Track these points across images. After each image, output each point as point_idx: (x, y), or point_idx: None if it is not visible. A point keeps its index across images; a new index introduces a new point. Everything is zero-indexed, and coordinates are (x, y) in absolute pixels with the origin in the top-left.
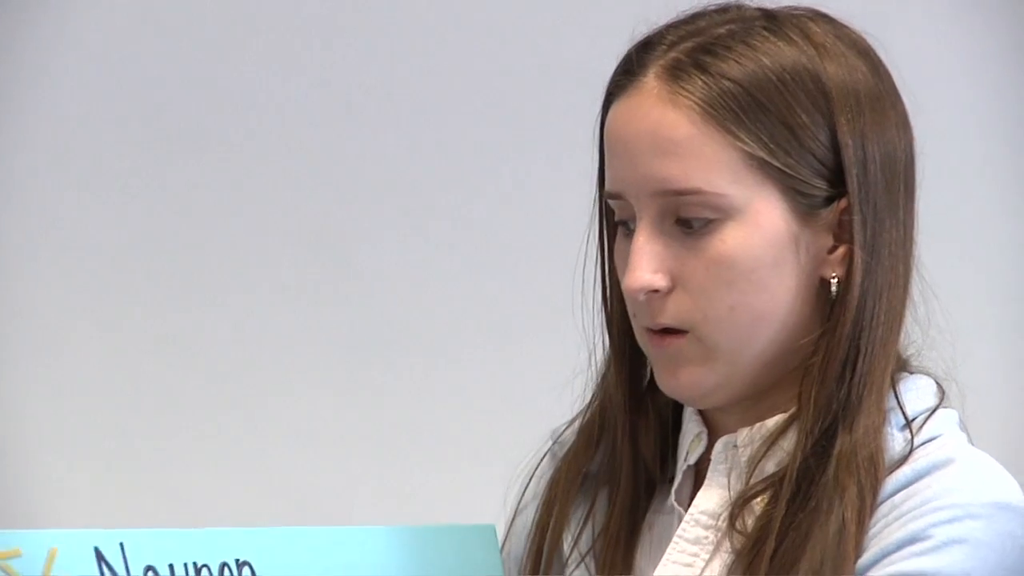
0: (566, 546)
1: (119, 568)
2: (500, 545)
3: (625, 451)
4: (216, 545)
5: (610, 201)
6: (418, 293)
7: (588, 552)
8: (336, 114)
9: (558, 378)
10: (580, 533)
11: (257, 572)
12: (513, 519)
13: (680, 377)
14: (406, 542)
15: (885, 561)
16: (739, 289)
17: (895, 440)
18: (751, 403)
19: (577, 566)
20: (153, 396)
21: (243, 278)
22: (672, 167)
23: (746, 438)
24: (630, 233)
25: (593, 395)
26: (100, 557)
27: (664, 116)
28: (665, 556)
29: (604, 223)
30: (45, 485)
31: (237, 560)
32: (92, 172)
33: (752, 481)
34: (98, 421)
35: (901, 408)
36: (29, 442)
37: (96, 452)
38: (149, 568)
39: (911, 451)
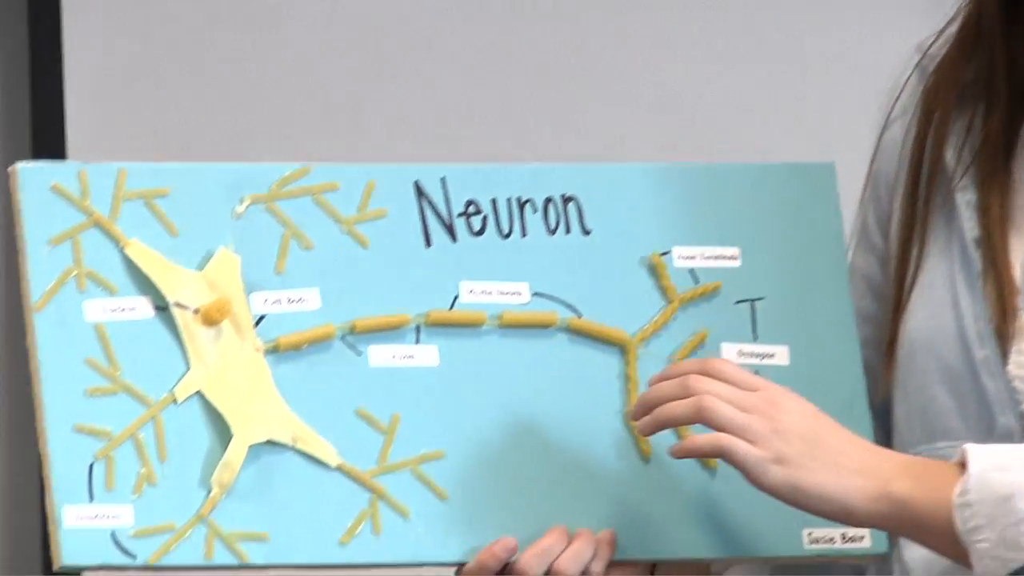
0: (948, 157)
1: (439, 201)
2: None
3: (1002, 60)
4: (541, 180)
5: None
6: None
7: (971, 164)
8: None
9: None
10: (963, 145)
11: (583, 208)
12: (881, 135)
13: None
14: (738, 178)
15: None
16: None
17: None
18: None
19: (961, 178)
20: None
21: None
22: None
23: None
24: None
25: (965, 3)
26: (420, 191)
27: None
28: None
29: None
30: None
31: (563, 195)
32: None
33: None
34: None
35: None
36: None
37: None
38: (470, 203)
39: None
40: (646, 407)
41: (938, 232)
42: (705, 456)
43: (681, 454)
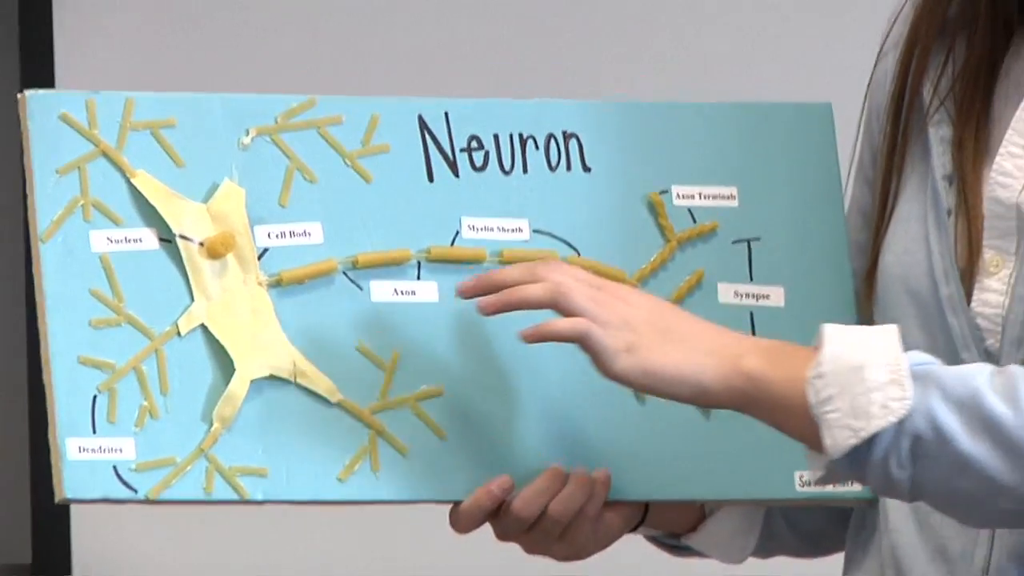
0: (925, 91)
1: (442, 136)
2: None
3: None
4: (543, 116)
5: None
6: None
7: (947, 95)
8: None
9: None
10: (940, 77)
11: (584, 145)
12: (874, 68)
13: None
14: (736, 117)
15: None
16: None
17: None
18: None
19: (936, 110)
20: None
21: None
22: None
23: None
24: None
25: None
26: (423, 125)
27: None
28: None
29: None
30: None
31: (564, 132)
32: None
33: None
34: None
35: None
36: None
37: None
38: (473, 138)
39: None
40: (491, 286)
41: (915, 167)
42: (562, 340)
43: (537, 337)
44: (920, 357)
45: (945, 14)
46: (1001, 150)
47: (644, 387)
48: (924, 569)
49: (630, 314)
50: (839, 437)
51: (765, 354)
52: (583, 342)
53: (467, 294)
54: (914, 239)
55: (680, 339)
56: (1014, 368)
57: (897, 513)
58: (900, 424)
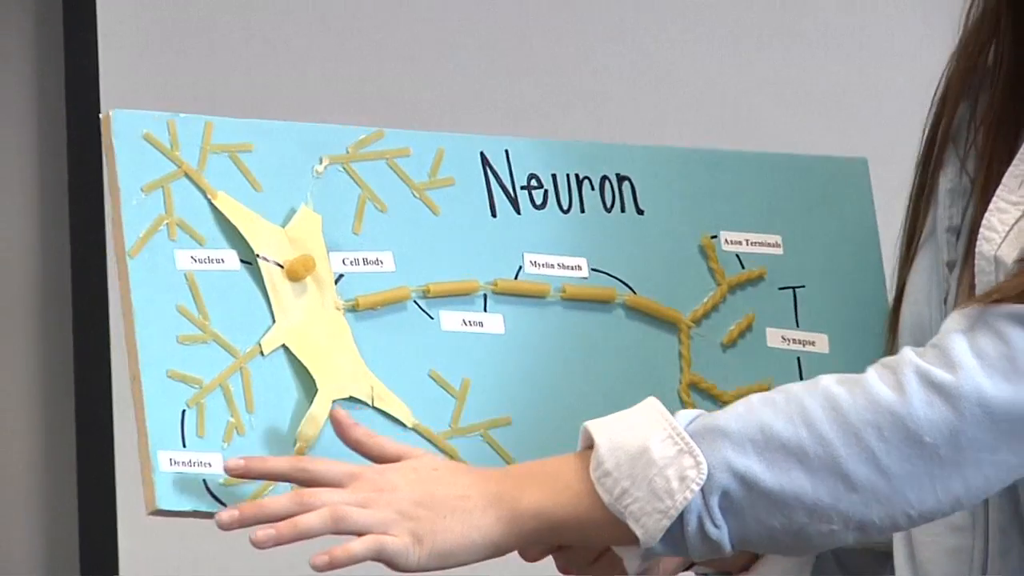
0: (950, 144)
1: (503, 173)
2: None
3: (1007, 47)
4: (599, 158)
5: None
6: None
7: (968, 147)
8: None
9: None
10: (967, 130)
11: (637, 188)
12: (927, 115)
13: None
14: (779, 167)
15: None
16: None
17: None
18: None
19: (950, 162)
20: None
21: None
22: None
23: None
24: None
25: None
26: (485, 161)
27: None
28: None
29: None
30: None
31: (618, 174)
32: None
33: None
34: None
35: None
36: None
37: None
38: (532, 176)
39: None
40: (259, 517)
41: (932, 218)
42: (361, 561)
43: (336, 565)
44: (688, 415)
45: (974, 66)
46: (991, 205)
47: (445, 567)
48: None
49: (398, 502)
50: (649, 524)
51: (536, 484)
52: (380, 558)
53: (231, 527)
54: (922, 290)
55: (452, 506)
56: (792, 387)
57: (897, 555)
58: (702, 488)
